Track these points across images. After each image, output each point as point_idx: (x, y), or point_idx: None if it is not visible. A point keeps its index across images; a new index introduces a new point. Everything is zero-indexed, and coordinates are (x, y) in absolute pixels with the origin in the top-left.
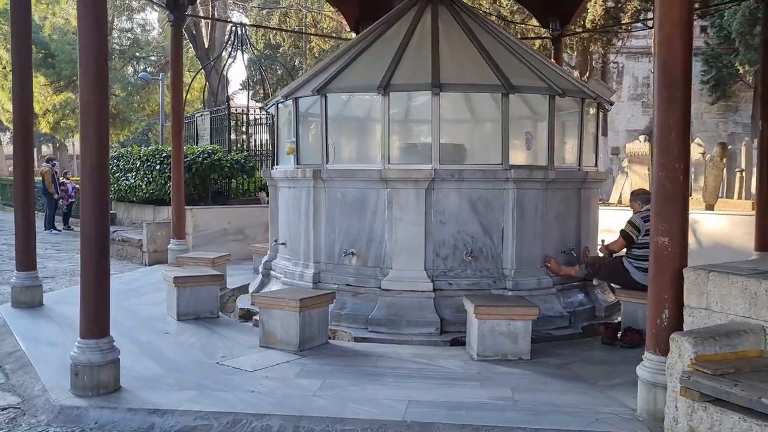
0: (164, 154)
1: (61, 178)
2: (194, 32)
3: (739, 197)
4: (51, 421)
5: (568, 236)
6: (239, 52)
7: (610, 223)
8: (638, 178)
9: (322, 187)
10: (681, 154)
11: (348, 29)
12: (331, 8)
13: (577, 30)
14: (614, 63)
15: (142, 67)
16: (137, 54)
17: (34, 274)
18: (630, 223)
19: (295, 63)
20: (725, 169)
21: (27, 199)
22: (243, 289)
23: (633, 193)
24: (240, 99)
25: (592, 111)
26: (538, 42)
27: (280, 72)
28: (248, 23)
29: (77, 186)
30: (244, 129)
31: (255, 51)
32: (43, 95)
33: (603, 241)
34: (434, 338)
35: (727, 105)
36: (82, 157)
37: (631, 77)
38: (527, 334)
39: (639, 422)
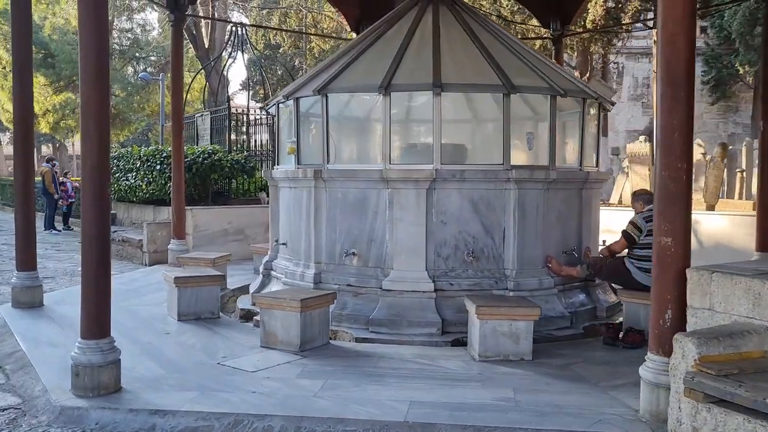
0: (164, 155)
1: (61, 178)
2: (194, 32)
3: (740, 198)
4: (52, 422)
5: (569, 236)
6: (239, 53)
7: (611, 223)
8: (639, 178)
9: (323, 187)
10: (684, 154)
11: (348, 29)
12: (332, 8)
13: (578, 30)
14: (614, 63)
15: (142, 68)
16: (137, 54)
17: (35, 275)
18: (632, 223)
19: (295, 63)
20: (726, 170)
21: (27, 200)
22: (243, 290)
23: (635, 194)
24: (240, 99)
25: (594, 111)
26: (538, 42)
27: (280, 72)
28: (248, 23)
29: (77, 186)
30: (244, 129)
31: (255, 51)
32: (43, 95)
33: (604, 241)
34: (435, 339)
35: (727, 105)
36: (82, 156)
37: (631, 78)
38: (529, 335)
39: (642, 423)
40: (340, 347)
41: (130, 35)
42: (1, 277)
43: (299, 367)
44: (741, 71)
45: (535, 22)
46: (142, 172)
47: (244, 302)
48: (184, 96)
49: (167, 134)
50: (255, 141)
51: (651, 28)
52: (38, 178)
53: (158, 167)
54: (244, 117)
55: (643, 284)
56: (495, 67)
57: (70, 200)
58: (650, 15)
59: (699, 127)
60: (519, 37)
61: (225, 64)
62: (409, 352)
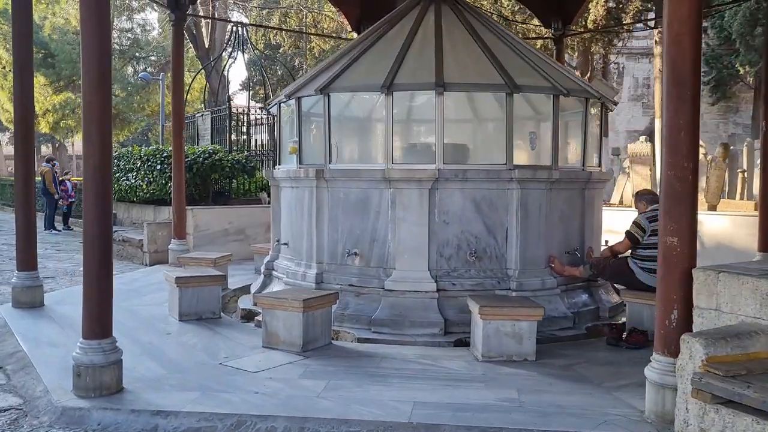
0: (165, 154)
1: (61, 177)
2: (194, 32)
3: (741, 198)
4: (53, 423)
5: (572, 237)
6: (239, 52)
7: (612, 223)
8: (640, 178)
9: (324, 187)
10: (690, 153)
11: (348, 29)
12: (332, 8)
13: (579, 30)
14: (615, 64)
15: (142, 68)
16: (137, 54)
17: (35, 275)
18: (635, 224)
19: (295, 63)
20: (727, 170)
21: (28, 200)
22: (244, 290)
23: (638, 194)
24: (240, 99)
25: (596, 111)
26: (539, 42)
27: (280, 72)
28: (249, 23)
29: (77, 185)
30: (244, 129)
31: (255, 51)
32: (43, 95)
33: (607, 241)
34: (438, 339)
35: (728, 106)
36: (84, 157)
37: (632, 78)
38: (532, 335)
39: (647, 424)
40: (342, 347)
41: (130, 35)
42: (1, 277)
43: (301, 368)
44: (741, 71)
45: (536, 21)
46: (142, 172)
47: (245, 302)
48: (185, 96)
49: (167, 134)
50: (255, 141)
51: (652, 28)
52: (38, 178)
53: (159, 167)
54: (245, 117)
55: (647, 284)
56: (498, 67)
57: (70, 200)
58: (651, 15)
59: (699, 127)
60: (520, 37)
61: (225, 64)
62: (411, 352)
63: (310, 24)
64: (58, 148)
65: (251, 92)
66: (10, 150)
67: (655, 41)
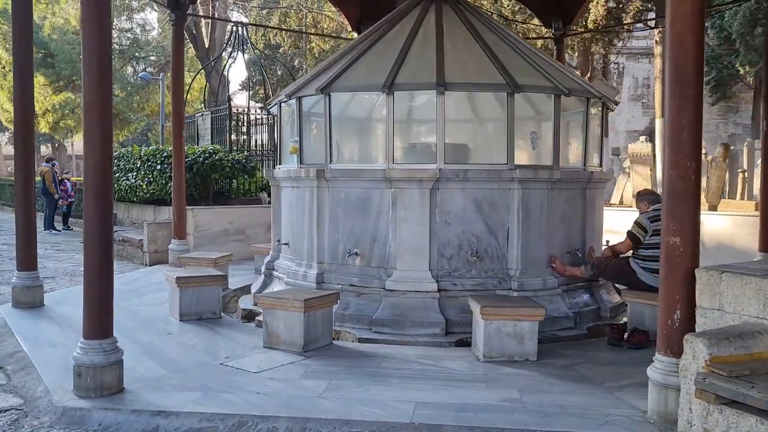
0: (165, 154)
1: (60, 176)
2: (194, 32)
3: (742, 198)
4: (54, 423)
5: (573, 237)
6: (239, 52)
7: (612, 223)
8: (640, 178)
9: (325, 186)
10: (693, 153)
11: (348, 30)
12: (332, 8)
13: (580, 30)
14: (615, 64)
15: (141, 68)
16: (137, 54)
17: (35, 275)
18: (637, 224)
19: (295, 63)
20: (727, 170)
21: (28, 200)
22: (245, 290)
23: (639, 194)
24: (240, 99)
25: (597, 111)
26: (539, 42)
27: (280, 72)
28: (248, 23)
29: (77, 184)
30: (244, 129)
31: (255, 51)
32: (43, 95)
33: (608, 241)
34: (439, 339)
35: (728, 106)
36: (85, 156)
37: (632, 78)
38: (534, 335)
39: (650, 424)
40: (343, 347)
41: (129, 35)
42: (1, 277)
43: (303, 368)
44: (741, 71)
45: (536, 21)
46: (142, 172)
47: (245, 302)
48: (185, 96)
49: (167, 134)
50: (255, 141)
51: (652, 29)
52: (38, 178)
53: (159, 167)
54: (245, 117)
55: (648, 284)
56: (499, 67)
57: (69, 200)
58: (651, 15)
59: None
60: (520, 37)
61: (225, 64)
62: (412, 352)
63: (310, 24)
64: (57, 148)
65: (251, 92)
66: (9, 150)
67: (656, 41)
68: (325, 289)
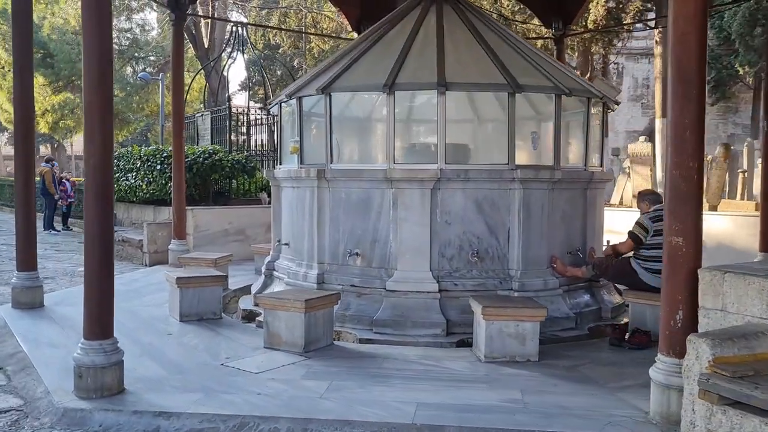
0: (165, 154)
1: (61, 175)
2: (194, 32)
3: (742, 198)
4: (54, 424)
5: (574, 237)
6: (239, 53)
7: (612, 224)
8: (640, 179)
9: (326, 187)
10: (695, 153)
11: (348, 30)
12: (331, 9)
13: (580, 30)
14: (614, 64)
15: (141, 68)
16: (136, 54)
17: (35, 275)
18: (638, 224)
19: (295, 64)
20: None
21: (27, 200)
22: (245, 290)
23: (640, 194)
24: (239, 99)
25: (598, 111)
26: (539, 42)
27: (279, 73)
28: (248, 23)
29: (75, 184)
30: (244, 129)
31: (255, 51)
32: (42, 95)
33: (608, 241)
34: (440, 339)
35: (727, 106)
36: (85, 156)
37: (631, 78)
38: (535, 336)
39: (652, 425)
40: (344, 348)
41: (129, 35)
42: (0, 278)
43: (304, 368)
44: (741, 72)
45: (536, 21)
46: (142, 172)
47: (246, 303)
48: (185, 96)
49: (167, 134)
50: (255, 141)
51: (652, 29)
52: (37, 178)
53: (158, 167)
54: (245, 117)
55: (650, 285)
56: (500, 67)
57: (69, 200)
58: (650, 15)
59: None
60: (520, 37)
61: (225, 64)
62: (413, 353)
63: (310, 24)
64: (56, 149)
65: (251, 92)
66: (8, 150)
67: (656, 41)
68: (325, 289)
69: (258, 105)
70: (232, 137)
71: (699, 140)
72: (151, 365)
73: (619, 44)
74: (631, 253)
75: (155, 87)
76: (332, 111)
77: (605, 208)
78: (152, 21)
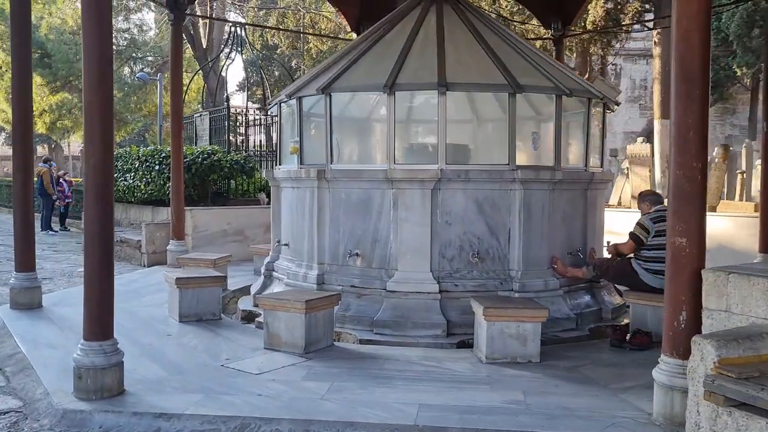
0: (163, 155)
1: (58, 174)
2: (192, 32)
3: (741, 199)
4: (54, 426)
5: (574, 237)
6: (237, 53)
7: (610, 224)
8: (639, 179)
9: (326, 187)
10: (699, 153)
11: (347, 30)
12: (329, 9)
13: (578, 31)
14: (612, 65)
15: (139, 68)
16: (134, 54)
17: (33, 275)
18: (639, 225)
19: (293, 64)
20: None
21: (26, 200)
22: (244, 291)
23: (641, 195)
24: (237, 100)
25: (598, 111)
26: (538, 43)
27: (277, 73)
28: (247, 23)
29: (73, 183)
30: (242, 130)
31: (254, 51)
32: (40, 95)
33: (609, 242)
34: (441, 340)
35: (725, 107)
36: (85, 156)
37: (629, 79)
38: (536, 337)
39: (655, 426)
40: (344, 349)
41: (127, 35)
42: None
43: (304, 369)
44: (738, 73)
45: (534, 22)
46: (140, 173)
47: (245, 303)
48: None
49: (165, 134)
50: (253, 142)
51: (651, 29)
52: (35, 179)
53: (157, 167)
54: (243, 117)
55: (651, 285)
56: (500, 67)
57: (66, 201)
58: (649, 16)
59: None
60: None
61: (223, 65)
62: (414, 354)
63: (308, 24)
64: (54, 149)
65: (249, 93)
66: (5, 151)
67: (654, 42)
68: (325, 290)
69: (256, 105)
70: (231, 138)
71: (702, 140)
72: (151, 366)
73: (618, 45)
74: (631, 254)
75: (153, 87)
76: (332, 111)
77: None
78: (150, 21)
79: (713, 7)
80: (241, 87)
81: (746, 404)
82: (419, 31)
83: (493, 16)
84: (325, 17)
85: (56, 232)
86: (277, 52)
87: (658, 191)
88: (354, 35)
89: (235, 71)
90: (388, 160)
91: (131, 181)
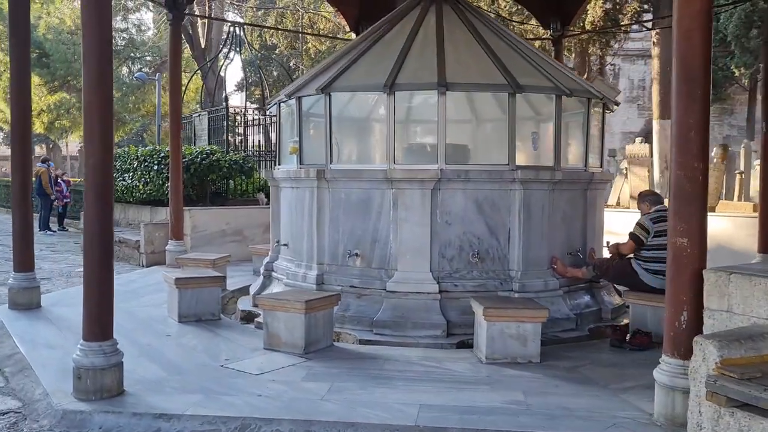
0: (162, 155)
1: (56, 173)
2: (191, 32)
3: (739, 199)
4: (53, 426)
5: (574, 237)
6: (236, 53)
7: (609, 224)
8: (638, 180)
9: (326, 187)
10: (700, 153)
11: (346, 30)
12: (328, 9)
13: (577, 31)
14: (611, 65)
15: (137, 68)
16: (132, 54)
17: (32, 276)
18: (639, 225)
19: (291, 64)
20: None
21: (25, 200)
22: (243, 291)
23: (641, 195)
24: (235, 100)
25: (598, 111)
26: (537, 43)
27: (275, 73)
28: (246, 23)
29: (70, 183)
30: (240, 130)
31: (253, 50)
32: (38, 95)
33: (608, 242)
34: (440, 341)
35: (723, 108)
36: (85, 156)
37: (627, 80)
38: (537, 337)
39: (657, 427)
40: (344, 349)
41: (125, 35)
42: None
43: (304, 370)
44: (736, 74)
45: (533, 22)
46: (139, 173)
47: (244, 304)
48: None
49: (163, 134)
50: (251, 141)
51: (649, 30)
52: (33, 179)
53: (155, 167)
54: (242, 117)
55: (650, 286)
56: (500, 67)
57: (65, 200)
58: (647, 17)
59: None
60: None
61: (221, 65)
62: (414, 354)
63: (306, 24)
64: (52, 149)
65: (247, 93)
66: (4, 151)
67: (653, 42)
68: (325, 290)
69: (255, 105)
70: (230, 137)
71: (704, 140)
72: (151, 366)
73: (616, 45)
74: (631, 254)
75: (151, 87)
76: (332, 111)
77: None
78: (148, 21)
79: (714, 6)
80: (240, 87)
81: (749, 405)
82: (419, 31)
83: (492, 16)
84: (324, 17)
85: (54, 232)
86: (276, 52)
87: (657, 191)
88: (353, 35)
89: (233, 71)
90: (388, 160)
91: (130, 181)
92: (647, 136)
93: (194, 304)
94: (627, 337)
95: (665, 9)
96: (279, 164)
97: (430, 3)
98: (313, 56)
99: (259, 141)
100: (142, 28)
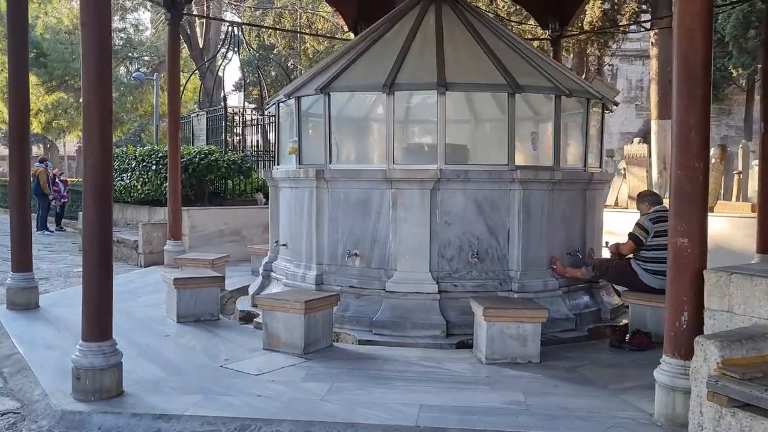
0: (160, 155)
1: (54, 172)
2: (189, 32)
3: (737, 199)
4: (53, 427)
5: (573, 237)
6: (234, 53)
7: (608, 224)
8: (636, 180)
9: (325, 187)
10: (701, 153)
11: (344, 30)
12: (326, 9)
13: (575, 32)
14: (609, 66)
15: (135, 68)
16: (130, 54)
17: (30, 276)
18: (638, 225)
19: (289, 64)
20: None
21: (23, 200)
22: (242, 291)
23: (640, 195)
24: (233, 100)
25: (597, 112)
26: (535, 43)
27: (274, 73)
28: (244, 23)
29: (68, 183)
30: (238, 130)
31: (251, 50)
32: (35, 95)
33: (607, 242)
34: (440, 341)
35: (720, 108)
36: (84, 156)
37: (625, 80)
38: (536, 337)
39: (657, 427)
40: (343, 349)
41: (123, 35)
42: None
43: (304, 370)
44: (734, 74)
45: (532, 22)
46: (137, 173)
47: (243, 304)
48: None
49: (162, 134)
50: (250, 141)
51: (648, 30)
52: (30, 179)
53: (154, 167)
54: (240, 117)
55: (650, 286)
56: (500, 67)
57: (62, 201)
58: (646, 17)
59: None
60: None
61: (220, 65)
62: (413, 354)
63: (305, 25)
64: (49, 149)
65: (245, 93)
66: (2, 151)
67: (651, 43)
68: (324, 290)
69: (253, 105)
70: (228, 137)
71: (704, 140)
72: (150, 367)
73: (614, 46)
74: (630, 255)
75: (149, 87)
76: (331, 111)
77: None
78: (146, 21)
79: (715, 6)
80: (238, 87)
81: (750, 405)
82: (418, 30)
83: (491, 16)
84: (322, 17)
85: (52, 232)
86: (274, 52)
87: (655, 191)
88: (351, 35)
89: (231, 71)
90: (387, 160)
91: (128, 181)
92: (645, 137)
93: (193, 304)
94: (626, 338)
95: (664, 9)
96: (278, 164)
97: (429, 3)
98: (311, 56)
99: (258, 141)
100: (140, 27)
